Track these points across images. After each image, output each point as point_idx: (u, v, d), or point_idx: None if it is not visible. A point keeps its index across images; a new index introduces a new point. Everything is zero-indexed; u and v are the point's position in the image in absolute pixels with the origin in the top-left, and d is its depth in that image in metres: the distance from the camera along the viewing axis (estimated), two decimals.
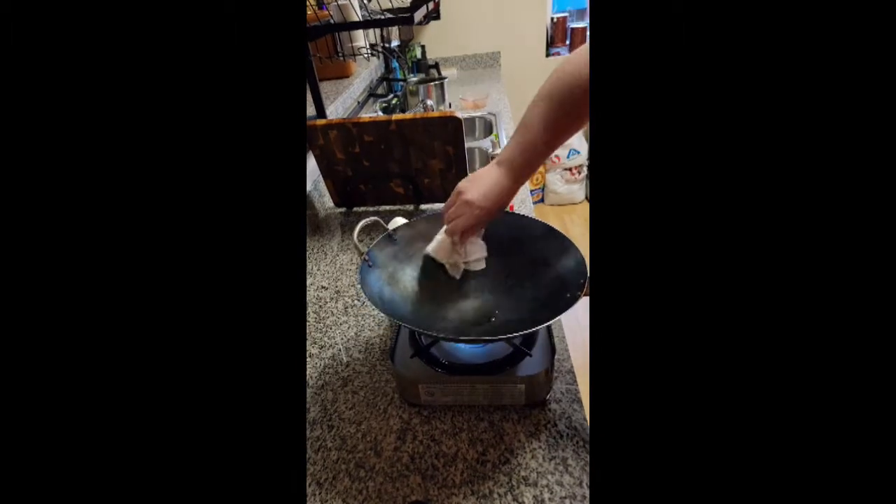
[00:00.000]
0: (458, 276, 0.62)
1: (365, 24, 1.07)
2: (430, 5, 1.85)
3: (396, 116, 0.92)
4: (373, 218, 0.69)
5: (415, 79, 1.77)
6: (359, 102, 1.50)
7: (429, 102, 1.54)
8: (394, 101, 1.58)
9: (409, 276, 0.62)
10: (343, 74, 1.42)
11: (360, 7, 1.13)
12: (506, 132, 1.38)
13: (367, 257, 0.58)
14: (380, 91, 1.76)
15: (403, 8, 1.18)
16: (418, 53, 2.21)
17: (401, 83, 1.72)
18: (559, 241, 0.59)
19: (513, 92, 2.53)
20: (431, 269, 0.63)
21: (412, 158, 0.99)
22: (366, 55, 1.33)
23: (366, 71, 1.53)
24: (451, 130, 0.93)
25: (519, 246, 0.62)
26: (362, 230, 0.65)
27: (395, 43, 2.19)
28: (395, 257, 0.62)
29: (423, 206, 1.08)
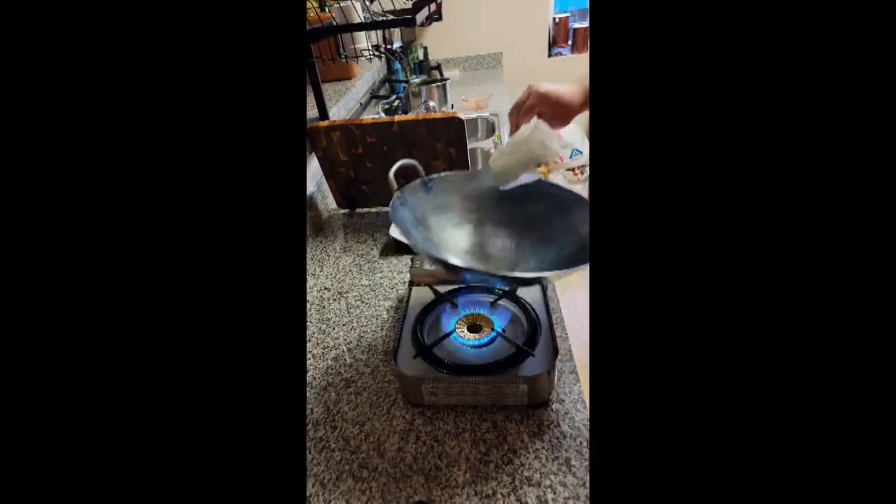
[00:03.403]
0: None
1: (367, 26, 1.07)
2: (432, 7, 1.86)
3: (399, 118, 0.92)
4: (412, 161, 0.66)
5: (417, 80, 1.77)
6: (361, 104, 1.51)
7: (431, 104, 1.55)
8: (396, 103, 1.58)
9: (436, 222, 0.62)
10: (346, 76, 1.43)
11: (363, 9, 1.13)
12: (507, 132, 1.37)
13: (399, 195, 0.57)
14: (382, 93, 1.77)
15: (405, 10, 1.18)
16: (420, 55, 2.22)
17: (403, 84, 1.72)
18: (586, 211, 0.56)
19: (515, 92, 2.53)
20: (460, 221, 0.63)
21: (415, 159, 0.99)
22: (368, 56, 1.33)
23: (368, 73, 1.54)
24: (453, 131, 0.93)
25: (549, 211, 0.61)
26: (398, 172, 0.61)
27: (397, 44, 2.19)
28: (426, 203, 0.62)
29: None
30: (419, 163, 0.68)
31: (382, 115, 1.45)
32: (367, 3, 1.28)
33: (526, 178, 0.59)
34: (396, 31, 2.18)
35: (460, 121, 0.91)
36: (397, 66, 1.90)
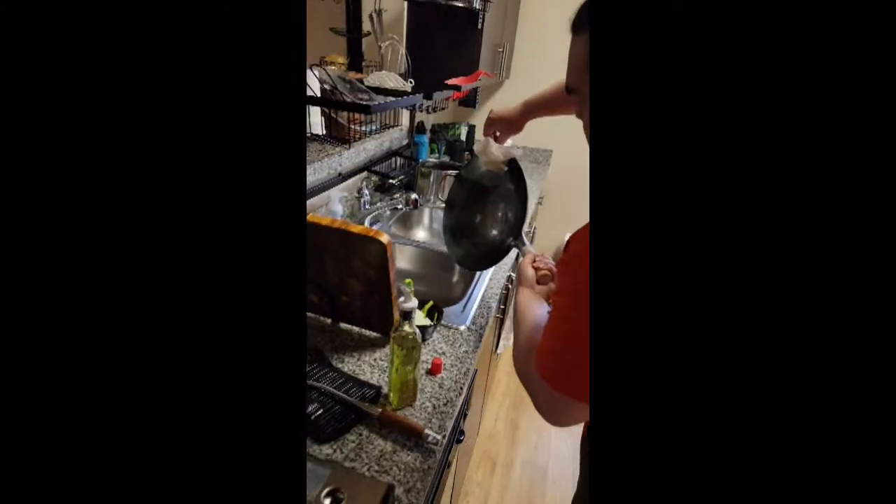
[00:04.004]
0: (495, 171, 0.93)
1: (323, 102, 0.90)
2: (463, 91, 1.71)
3: (311, 217, 0.72)
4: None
5: (432, 161, 1.60)
6: (340, 176, 1.34)
7: (432, 199, 1.35)
8: (397, 180, 1.40)
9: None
10: (345, 140, 1.28)
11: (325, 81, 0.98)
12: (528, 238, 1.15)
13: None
14: (379, 168, 1.59)
15: (398, 91, 1.02)
16: (463, 134, 2.05)
17: (413, 162, 1.55)
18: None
19: (551, 191, 2.31)
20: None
21: (327, 269, 0.78)
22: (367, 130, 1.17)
23: (374, 142, 1.38)
24: (374, 254, 0.71)
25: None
26: None
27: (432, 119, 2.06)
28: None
29: (342, 325, 0.86)
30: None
31: (366, 192, 1.26)
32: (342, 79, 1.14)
33: (514, 151, 0.90)
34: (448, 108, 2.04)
35: (383, 245, 0.70)
36: (421, 139, 1.73)
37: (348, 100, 0.80)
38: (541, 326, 0.55)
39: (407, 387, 0.69)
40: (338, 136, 1.19)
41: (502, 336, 1.57)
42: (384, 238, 0.69)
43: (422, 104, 1.23)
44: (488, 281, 1.11)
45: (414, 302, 0.63)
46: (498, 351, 1.44)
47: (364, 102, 0.80)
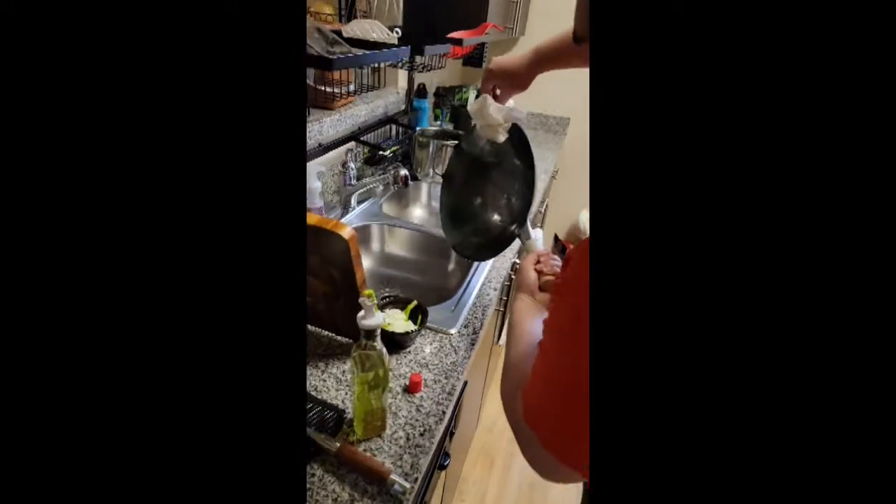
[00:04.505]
0: (491, 138, 0.76)
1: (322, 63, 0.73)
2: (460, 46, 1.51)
3: None
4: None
5: (432, 130, 1.42)
6: (320, 146, 1.18)
7: (432, 171, 1.19)
8: (390, 151, 1.23)
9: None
10: (323, 105, 1.12)
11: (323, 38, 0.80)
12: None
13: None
14: (371, 138, 1.42)
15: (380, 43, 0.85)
16: (471, 99, 1.86)
17: (410, 131, 1.38)
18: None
19: (566, 165, 2.11)
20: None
21: None
22: (354, 90, 1.00)
23: (364, 107, 1.21)
24: (334, 251, 0.57)
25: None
26: None
27: (437, 81, 1.86)
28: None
29: (310, 327, 0.73)
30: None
31: (352, 166, 1.11)
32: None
33: (517, 114, 0.73)
34: (452, 68, 1.83)
35: (344, 241, 0.55)
36: (421, 104, 1.54)
37: (313, 53, 0.63)
38: (536, 351, 0.41)
39: (374, 415, 0.56)
40: (316, 100, 1.03)
41: (504, 326, 1.44)
42: (346, 232, 0.55)
43: (412, 62, 1.04)
44: (488, 271, 0.96)
45: (378, 318, 0.49)
46: (499, 342, 1.31)
47: (328, 56, 0.63)
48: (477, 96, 0.82)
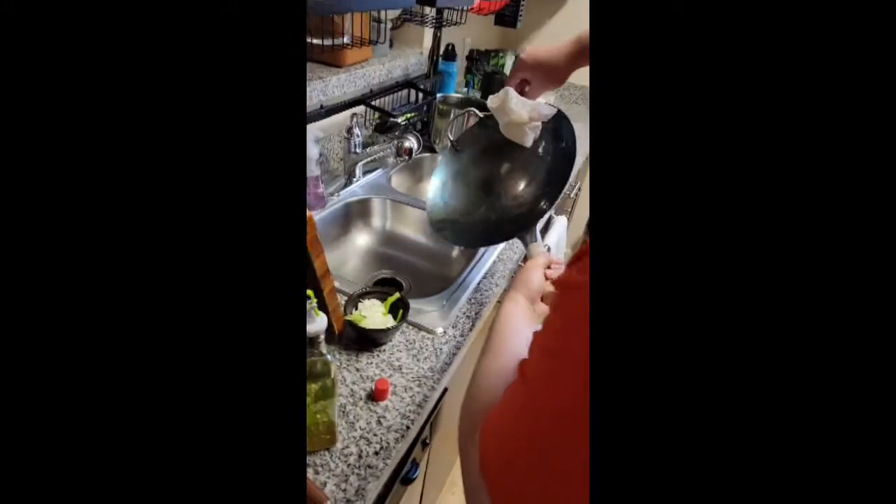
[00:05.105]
0: (517, 140, 0.68)
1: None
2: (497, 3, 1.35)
3: None
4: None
5: (456, 97, 1.29)
6: (322, 109, 1.08)
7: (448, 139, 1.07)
8: (403, 118, 1.11)
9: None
10: (333, 62, 1.01)
11: None
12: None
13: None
14: (384, 103, 1.29)
15: None
16: (508, 65, 1.70)
17: (431, 97, 1.25)
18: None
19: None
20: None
21: None
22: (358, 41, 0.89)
23: (379, 68, 1.10)
24: None
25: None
26: None
27: (468, 41, 1.70)
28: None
29: None
30: None
31: (359, 132, 1.00)
32: None
33: (544, 110, 0.66)
34: (488, 28, 1.65)
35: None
36: (448, 67, 1.40)
37: None
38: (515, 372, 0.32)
39: (319, 428, 0.48)
40: (319, 54, 0.93)
41: None
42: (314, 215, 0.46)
43: (422, 14, 0.91)
44: (492, 263, 0.86)
45: (318, 323, 0.41)
46: None
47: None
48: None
